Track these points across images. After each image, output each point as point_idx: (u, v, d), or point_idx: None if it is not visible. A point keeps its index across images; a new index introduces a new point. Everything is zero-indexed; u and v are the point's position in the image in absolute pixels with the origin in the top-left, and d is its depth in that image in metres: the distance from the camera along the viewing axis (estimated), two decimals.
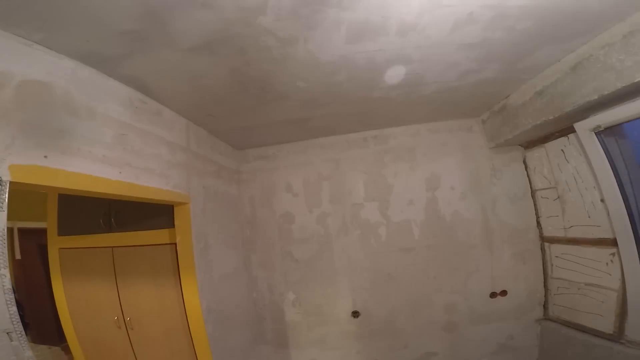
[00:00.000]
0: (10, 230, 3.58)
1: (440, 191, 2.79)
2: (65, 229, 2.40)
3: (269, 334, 2.82)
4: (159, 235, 2.13)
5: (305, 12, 1.25)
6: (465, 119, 2.85)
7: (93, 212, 2.28)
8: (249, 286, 2.81)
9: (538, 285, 2.61)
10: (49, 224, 2.42)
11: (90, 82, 1.40)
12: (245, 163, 3.02)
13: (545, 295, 2.59)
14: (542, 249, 2.63)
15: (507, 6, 1.33)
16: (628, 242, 1.84)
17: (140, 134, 1.67)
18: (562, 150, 2.30)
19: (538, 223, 2.66)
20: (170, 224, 2.03)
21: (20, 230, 3.67)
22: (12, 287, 1.01)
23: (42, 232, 2.48)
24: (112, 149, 1.46)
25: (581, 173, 2.14)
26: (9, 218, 1.01)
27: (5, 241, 1.00)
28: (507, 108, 2.44)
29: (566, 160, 2.27)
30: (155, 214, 2.11)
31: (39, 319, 3.51)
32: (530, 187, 2.70)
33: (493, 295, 2.66)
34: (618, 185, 1.83)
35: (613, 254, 1.96)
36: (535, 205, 2.68)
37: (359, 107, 2.32)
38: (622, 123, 1.76)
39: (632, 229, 1.81)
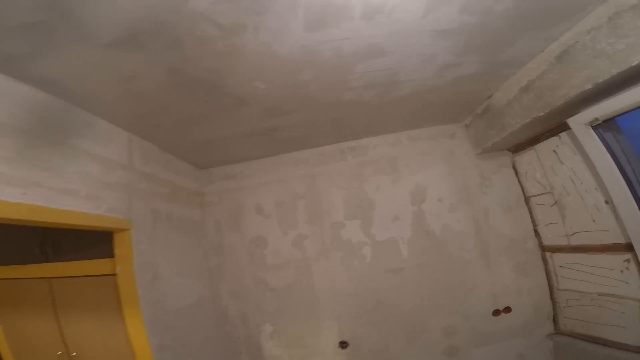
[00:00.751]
0: None
1: (427, 204, 2.61)
2: None
3: None
4: (101, 265, 1.87)
5: None
6: (447, 124, 2.72)
7: (27, 241, 2.12)
8: (218, 318, 2.52)
9: (544, 298, 2.42)
10: None
11: None
12: (209, 184, 2.74)
13: (554, 309, 2.39)
14: (544, 259, 2.46)
15: None
16: None
17: (59, 148, 1.37)
18: (554, 151, 2.15)
19: (536, 232, 2.50)
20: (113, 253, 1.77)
21: None
22: None
23: None
24: (14, 166, 1.18)
25: (579, 174, 1.98)
26: None
27: None
28: (491, 109, 2.27)
29: (560, 161, 2.11)
30: (97, 242, 1.84)
31: None
32: (524, 194, 2.56)
33: (496, 312, 2.44)
34: (627, 183, 1.61)
35: (628, 260, 1.75)
36: (530, 212, 2.53)
37: (331, 113, 2.12)
38: (624, 113, 1.57)
39: None
